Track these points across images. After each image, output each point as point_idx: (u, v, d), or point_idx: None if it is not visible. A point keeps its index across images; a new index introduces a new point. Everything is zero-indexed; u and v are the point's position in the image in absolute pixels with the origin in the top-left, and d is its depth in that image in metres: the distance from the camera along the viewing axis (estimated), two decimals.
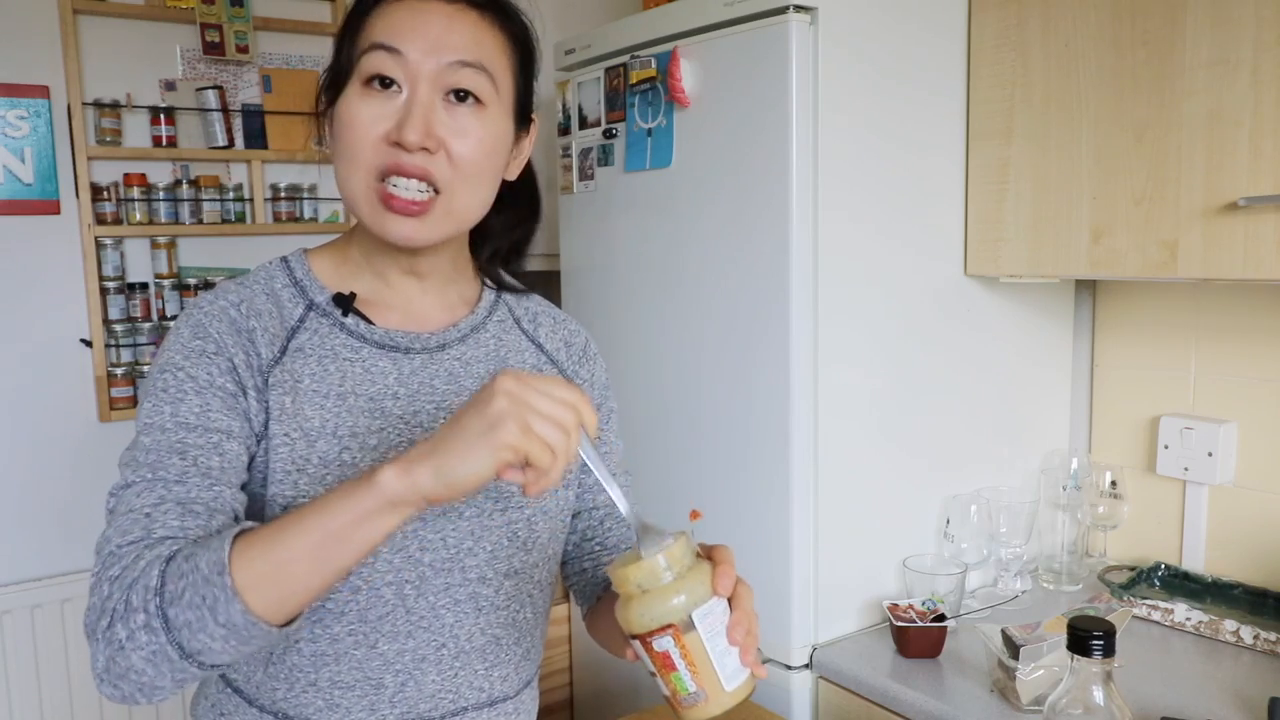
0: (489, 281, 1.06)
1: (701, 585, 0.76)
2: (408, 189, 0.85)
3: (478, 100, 0.87)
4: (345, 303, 0.93)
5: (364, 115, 0.85)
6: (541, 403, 0.71)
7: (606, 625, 1.04)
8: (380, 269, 0.95)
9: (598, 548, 1.09)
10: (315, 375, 0.90)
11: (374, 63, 0.84)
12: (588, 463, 0.76)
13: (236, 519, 0.84)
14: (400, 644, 0.91)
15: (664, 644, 0.75)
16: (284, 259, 0.96)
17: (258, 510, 0.87)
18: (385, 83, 0.85)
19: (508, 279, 1.07)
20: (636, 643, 0.77)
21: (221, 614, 0.71)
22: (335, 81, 0.90)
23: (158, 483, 0.81)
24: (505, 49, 0.90)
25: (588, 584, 1.09)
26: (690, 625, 0.75)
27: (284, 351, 0.90)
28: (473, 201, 0.90)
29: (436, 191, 0.86)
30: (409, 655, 0.92)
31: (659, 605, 0.75)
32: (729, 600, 0.78)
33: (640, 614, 0.75)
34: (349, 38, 0.88)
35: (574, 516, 1.08)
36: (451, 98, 0.86)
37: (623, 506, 0.79)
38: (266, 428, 0.87)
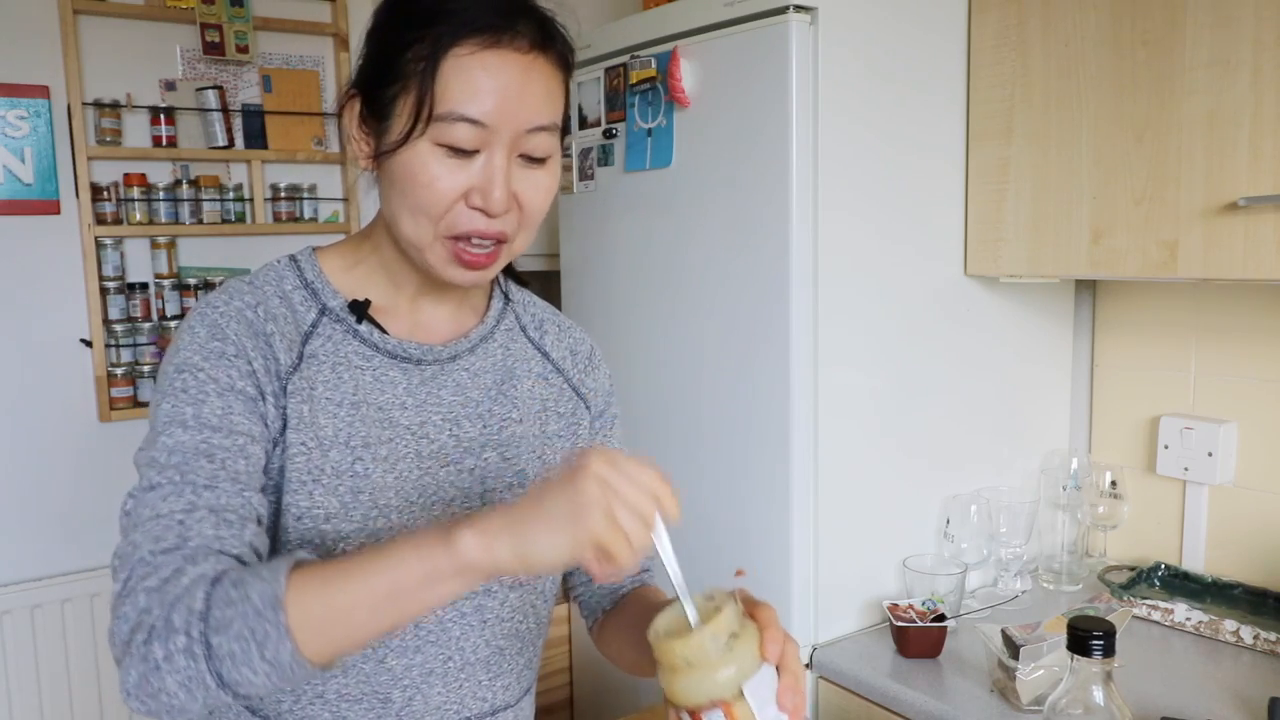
0: (502, 277, 1.05)
1: (750, 655, 0.73)
2: (482, 247, 0.86)
3: (548, 157, 0.87)
4: (360, 310, 0.92)
5: (444, 177, 0.83)
6: (630, 491, 0.69)
7: (617, 645, 1.04)
8: (399, 281, 0.94)
9: None
10: (329, 383, 0.89)
11: (458, 134, 0.81)
12: (659, 551, 0.73)
13: (259, 521, 0.83)
14: (408, 659, 0.91)
15: (713, 718, 0.73)
16: (293, 258, 0.94)
17: (270, 515, 0.87)
18: (465, 150, 0.83)
19: (515, 270, 1.08)
20: (683, 712, 0.75)
21: (270, 651, 0.69)
22: (377, 97, 0.85)
23: (186, 486, 0.79)
24: (564, 87, 0.89)
25: (593, 595, 1.09)
26: (740, 697, 0.73)
27: (301, 358, 0.88)
28: (530, 239, 0.91)
29: (502, 240, 0.87)
30: (416, 669, 0.92)
31: (707, 681, 0.72)
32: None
33: (686, 689, 0.73)
34: (415, 73, 0.82)
35: None
36: (524, 159, 0.86)
37: (680, 588, 0.76)
38: (283, 434, 0.86)
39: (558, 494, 0.69)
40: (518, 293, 1.07)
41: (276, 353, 0.87)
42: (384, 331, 0.93)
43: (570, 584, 1.11)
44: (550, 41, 0.86)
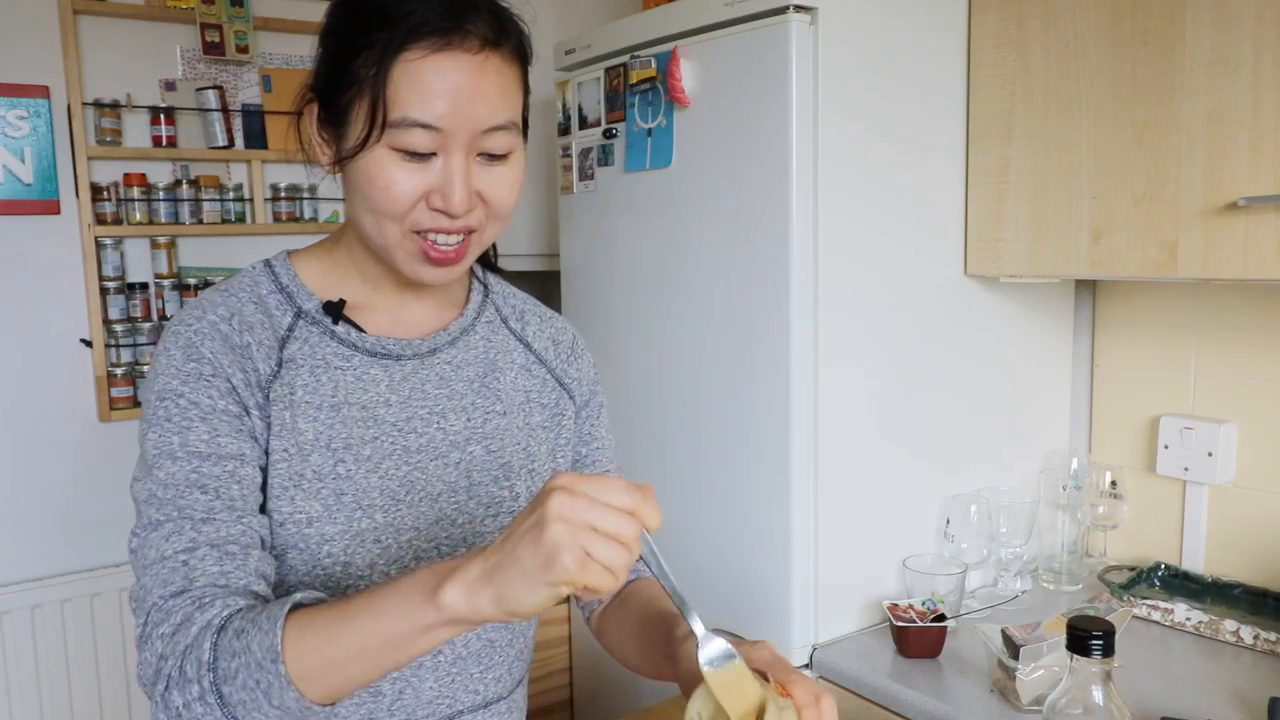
0: (479, 269, 1.06)
1: None
2: (448, 243, 0.86)
3: (509, 152, 0.87)
4: (335, 310, 0.92)
5: (402, 180, 0.83)
6: (600, 518, 0.65)
7: (617, 642, 1.05)
8: (374, 280, 0.94)
9: None
10: (308, 386, 0.89)
11: (413, 139, 0.81)
12: (647, 563, 0.72)
13: (262, 543, 0.84)
14: None
15: None
16: (267, 263, 0.94)
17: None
18: (422, 154, 0.83)
19: (492, 260, 1.08)
20: None
21: (275, 699, 0.71)
22: (333, 102, 0.85)
23: (185, 522, 0.80)
24: (520, 82, 0.88)
25: None
26: None
27: (280, 364, 0.88)
28: (499, 231, 0.91)
29: (469, 232, 0.87)
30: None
31: None
32: None
33: None
34: (367, 79, 0.82)
35: None
36: (484, 157, 0.85)
37: (696, 625, 0.76)
38: (268, 444, 0.86)
39: (526, 541, 0.66)
40: (497, 284, 1.07)
41: (256, 363, 0.87)
42: (361, 330, 0.93)
43: None
44: (503, 36, 0.85)
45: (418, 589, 0.71)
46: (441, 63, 0.81)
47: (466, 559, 0.71)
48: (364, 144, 0.82)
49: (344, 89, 0.84)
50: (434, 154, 0.83)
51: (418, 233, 0.86)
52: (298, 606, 0.74)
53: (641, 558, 0.70)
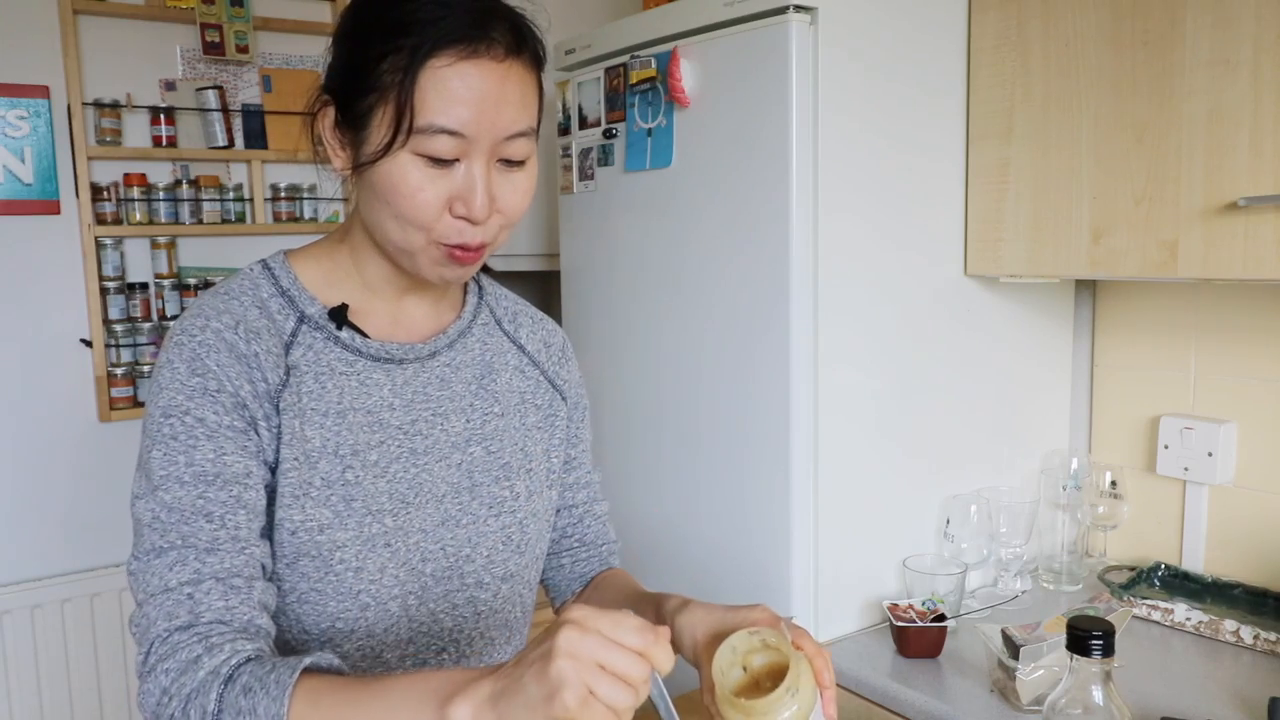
0: (474, 276, 1.06)
1: (810, 688, 0.76)
2: (467, 249, 0.87)
3: (526, 158, 0.88)
4: (340, 316, 0.92)
5: (426, 187, 0.83)
6: (609, 656, 0.64)
7: None
8: (373, 283, 0.94)
9: (576, 544, 1.13)
10: (313, 394, 0.89)
11: (438, 146, 0.82)
12: (655, 706, 0.71)
13: (263, 570, 0.84)
14: (402, 651, 0.92)
15: None
16: (265, 264, 0.94)
17: (267, 529, 0.87)
18: (445, 160, 0.83)
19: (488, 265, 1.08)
20: None
21: None
22: (352, 106, 0.85)
23: (189, 551, 0.80)
24: (537, 89, 0.90)
25: (565, 579, 1.13)
26: None
27: (288, 372, 0.88)
28: (509, 235, 0.92)
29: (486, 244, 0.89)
30: (410, 661, 0.93)
31: None
32: None
33: None
34: (392, 85, 0.82)
35: (555, 514, 1.10)
36: (503, 163, 0.86)
37: None
38: (278, 453, 0.86)
39: (533, 671, 0.65)
40: (490, 285, 1.08)
41: (264, 372, 0.86)
42: (364, 335, 0.93)
43: (543, 567, 1.14)
44: (524, 44, 0.86)
45: (430, 698, 0.70)
46: (468, 70, 0.82)
47: (478, 676, 0.70)
48: (388, 149, 0.82)
49: (365, 94, 0.83)
50: (456, 160, 0.83)
51: (443, 243, 0.86)
52: (308, 670, 0.74)
53: (651, 699, 0.69)
